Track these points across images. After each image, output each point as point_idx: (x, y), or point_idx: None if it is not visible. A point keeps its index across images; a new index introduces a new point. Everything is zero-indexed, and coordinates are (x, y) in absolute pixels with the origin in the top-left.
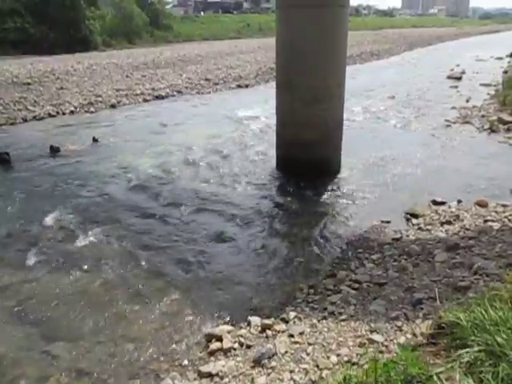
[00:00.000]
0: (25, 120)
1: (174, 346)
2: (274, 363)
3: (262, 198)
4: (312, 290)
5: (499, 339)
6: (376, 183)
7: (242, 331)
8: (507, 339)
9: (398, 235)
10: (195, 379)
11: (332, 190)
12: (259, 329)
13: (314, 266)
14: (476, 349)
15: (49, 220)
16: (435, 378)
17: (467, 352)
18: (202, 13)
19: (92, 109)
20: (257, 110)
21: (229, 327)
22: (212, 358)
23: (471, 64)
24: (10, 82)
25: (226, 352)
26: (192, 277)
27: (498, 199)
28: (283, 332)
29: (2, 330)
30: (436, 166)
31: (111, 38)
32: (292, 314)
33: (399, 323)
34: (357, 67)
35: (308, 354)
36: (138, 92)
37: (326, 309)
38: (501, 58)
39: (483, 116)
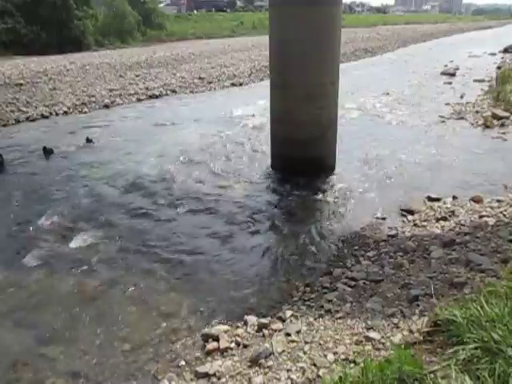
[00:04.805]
0: (17, 121)
1: (170, 346)
2: (270, 362)
3: (257, 197)
4: (308, 288)
5: (495, 336)
6: (371, 180)
7: (239, 331)
8: (503, 336)
9: (394, 232)
10: (192, 380)
11: (327, 187)
12: (256, 328)
13: (309, 264)
14: (472, 346)
15: (43, 222)
16: (431, 375)
17: (463, 349)
18: (195, 11)
19: (85, 109)
20: (251, 109)
21: (225, 327)
22: (209, 358)
23: (465, 60)
24: (2, 82)
25: (222, 352)
26: (188, 277)
27: (493, 195)
28: (280, 331)
29: None
30: (430, 162)
31: (104, 37)
32: (288, 313)
33: (396, 320)
34: (351, 64)
35: (305, 353)
36: (132, 92)
37: (322, 307)
38: (494, 54)
39: (477, 112)
